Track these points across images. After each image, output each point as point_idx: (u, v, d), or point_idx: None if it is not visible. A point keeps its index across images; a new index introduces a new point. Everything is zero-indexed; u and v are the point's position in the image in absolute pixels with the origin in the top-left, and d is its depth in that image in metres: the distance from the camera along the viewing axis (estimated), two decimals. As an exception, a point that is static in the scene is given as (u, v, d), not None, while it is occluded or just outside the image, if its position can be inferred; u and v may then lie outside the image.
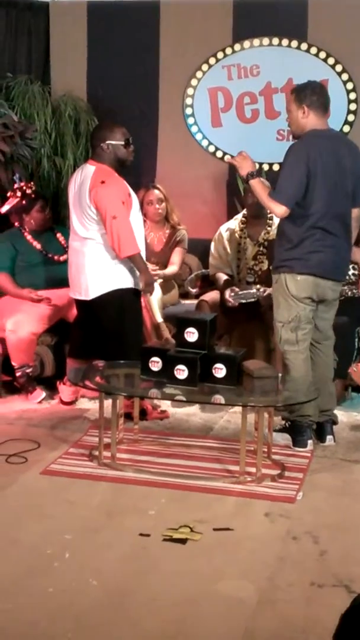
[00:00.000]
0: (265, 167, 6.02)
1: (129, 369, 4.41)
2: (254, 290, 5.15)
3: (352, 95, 6.02)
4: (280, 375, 4.32)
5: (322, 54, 6.04)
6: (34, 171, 6.07)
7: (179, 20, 6.28)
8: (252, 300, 5.13)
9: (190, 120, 6.35)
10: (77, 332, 4.90)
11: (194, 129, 6.35)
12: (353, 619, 1.65)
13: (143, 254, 4.63)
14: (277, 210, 4.17)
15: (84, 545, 3.25)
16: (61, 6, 6.51)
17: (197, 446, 4.38)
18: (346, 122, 6.02)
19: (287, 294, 4.22)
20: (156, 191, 5.63)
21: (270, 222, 5.27)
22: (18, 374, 5.13)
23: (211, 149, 6.33)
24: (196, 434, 4.61)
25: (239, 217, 5.51)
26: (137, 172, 5.83)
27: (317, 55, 6.05)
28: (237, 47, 6.18)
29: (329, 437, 4.44)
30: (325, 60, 6.04)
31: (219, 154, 6.31)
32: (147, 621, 2.72)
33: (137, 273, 4.60)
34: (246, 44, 6.16)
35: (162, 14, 6.29)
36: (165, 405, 4.95)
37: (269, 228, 5.30)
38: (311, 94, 4.19)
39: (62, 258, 5.33)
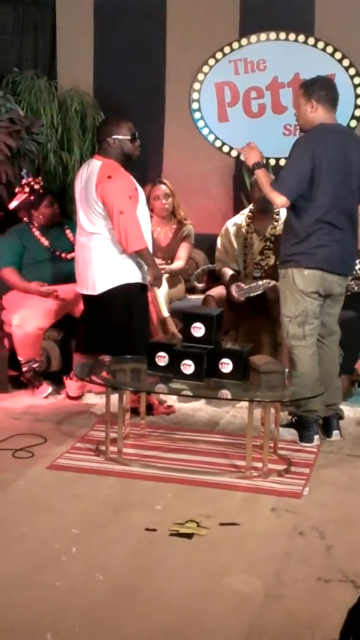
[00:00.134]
0: (272, 161, 5.99)
1: (135, 363, 4.40)
2: (260, 283, 5.14)
3: (359, 90, 6.01)
4: (286, 370, 4.32)
5: (329, 49, 6.02)
6: (41, 166, 6.07)
7: (185, 15, 6.27)
8: (259, 292, 5.11)
9: (197, 115, 6.34)
10: (84, 327, 4.90)
11: (200, 123, 6.34)
12: (360, 614, 1.66)
13: (150, 249, 4.63)
14: (278, 201, 4.20)
15: (90, 540, 3.25)
16: (67, 1, 6.50)
17: (204, 441, 4.38)
18: (353, 116, 6.00)
19: (294, 288, 4.21)
20: (163, 186, 5.62)
21: (277, 216, 5.26)
22: (24, 369, 5.13)
23: (218, 143, 6.33)
24: (202, 429, 4.61)
25: (245, 212, 5.49)
26: (144, 167, 5.82)
27: (324, 49, 6.04)
28: (243, 41, 6.17)
29: (335, 432, 4.43)
30: (332, 55, 6.02)
31: (226, 148, 6.31)
32: (154, 616, 2.72)
33: (144, 268, 4.60)
34: (253, 38, 6.15)
35: (168, 8, 6.29)
36: (172, 400, 4.95)
37: (275, 223, 5.29)
38: (320, 89, 4.18)
39: (69, 256, 5.30)
